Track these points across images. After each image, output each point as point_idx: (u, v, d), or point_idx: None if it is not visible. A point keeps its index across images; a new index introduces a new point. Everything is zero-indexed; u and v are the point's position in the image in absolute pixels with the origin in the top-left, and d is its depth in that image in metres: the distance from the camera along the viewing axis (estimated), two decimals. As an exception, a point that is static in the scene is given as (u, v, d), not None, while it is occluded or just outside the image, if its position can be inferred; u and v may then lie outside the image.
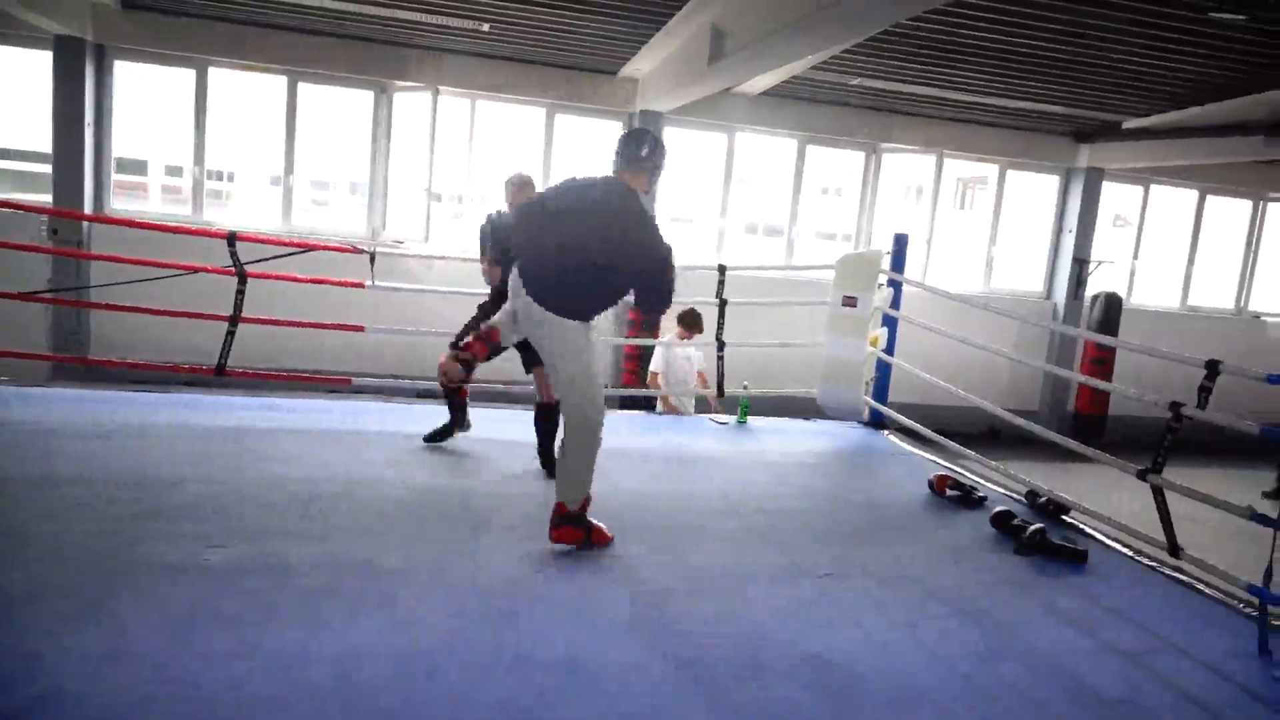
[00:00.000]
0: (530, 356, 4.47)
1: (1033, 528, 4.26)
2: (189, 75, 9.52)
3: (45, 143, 9.34)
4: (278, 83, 9.69)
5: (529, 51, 9.66)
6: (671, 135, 10.59)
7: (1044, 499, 4.87)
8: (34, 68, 9.21)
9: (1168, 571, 4.08)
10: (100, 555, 3.22)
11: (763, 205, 12.00)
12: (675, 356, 6.81)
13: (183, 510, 3.73)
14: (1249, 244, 12.76)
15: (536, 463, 4.77)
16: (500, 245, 4.50)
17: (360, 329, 5.86)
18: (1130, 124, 10.63)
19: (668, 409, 6.81)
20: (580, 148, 10.70)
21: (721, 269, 6.37)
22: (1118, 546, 4.39)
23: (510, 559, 3.58)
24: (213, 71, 9.54)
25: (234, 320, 5.58)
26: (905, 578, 3.77)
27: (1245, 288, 12.82)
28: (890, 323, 6.58)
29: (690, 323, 6.73)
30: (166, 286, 6.15)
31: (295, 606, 2.96)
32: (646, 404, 8.16)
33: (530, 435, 4.79)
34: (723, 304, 6.34)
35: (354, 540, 3.62)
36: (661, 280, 3.49)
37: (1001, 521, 4.47)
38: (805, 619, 3.29)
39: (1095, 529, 4.57)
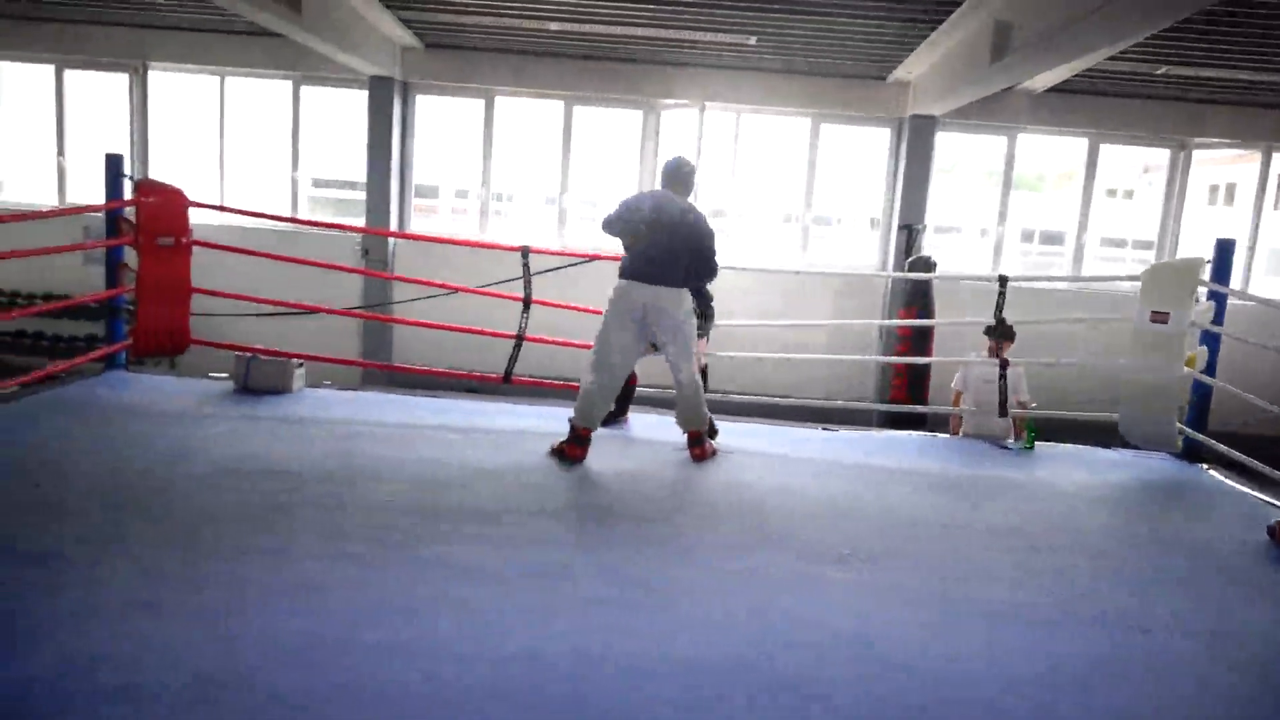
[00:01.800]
0: None
1: None
2: (478, 105, 10.32)
3: (353, 172, 10.51)
4: (555, 107, 10.27)
5: (794, 62, 9.55)
6: (946, 140, 10.06)
7: None
8: (344, 106, 10.40)
9: None
10: (396, 550, 3.47)
11: (1040, 210, 11.10)
12: (975, 375, 6.21)
13: (470, 512, 3.96)
14: None
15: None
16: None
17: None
18: None
19: (959, 430, 6.33)
20: (845, 157, 10.43)
21: (1002, 280, 5.85)
22: None
23: (772, 577, 3.46)
24: (498, 99, 10.29)
25: (519, 338, 6.00)
26: (1243, 645, 3.23)
27: None
28: (1211, 341, 5.77)
29: (1006, 333, 6.03)
30: (460, 300, 6.65)
31: (577, 613, 3.03)
32: (911, 421, 7.73)
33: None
34: (1000, 320, 5.83)
35: (631, 550, 3.66)
36: (713, 263, 5.03)
37: (1371, 582, 3.73)
38: (1120, 680, 2.89)
39: None
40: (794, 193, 10.43)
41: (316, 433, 5.05)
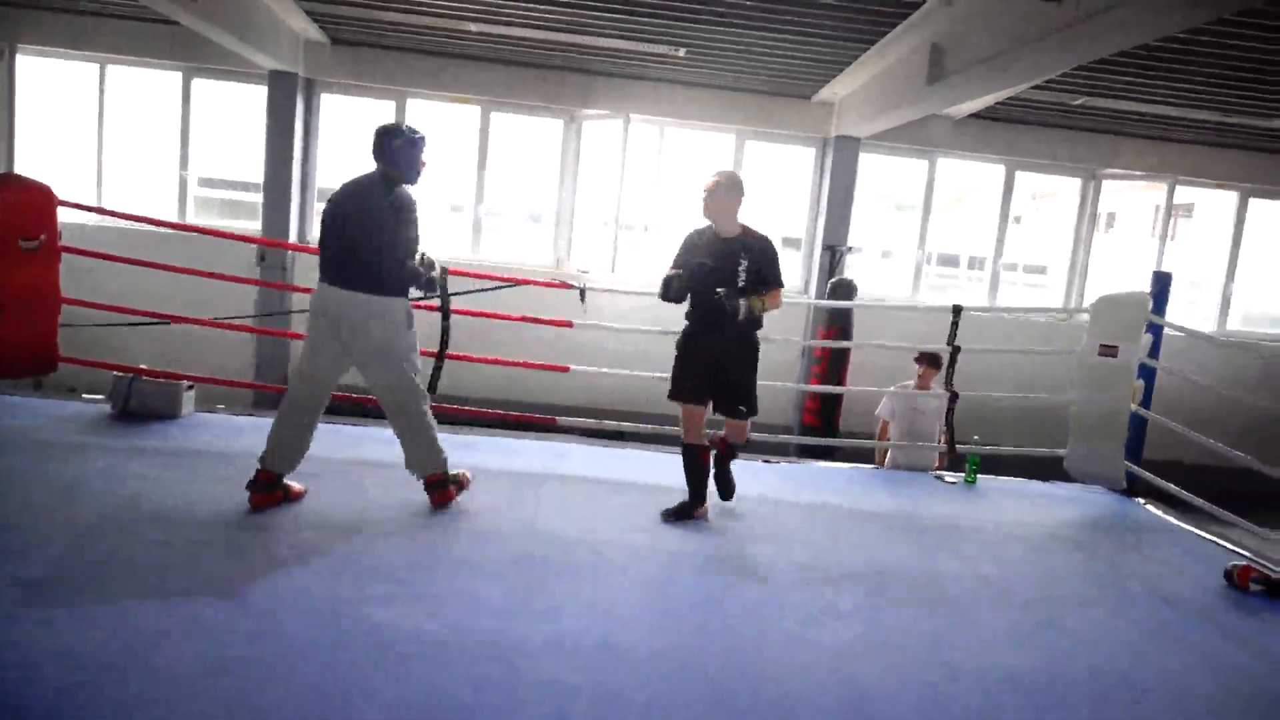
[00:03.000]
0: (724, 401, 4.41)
1: (1395, 646, 3.43)
2: (388, 106, 9.72)
3: (247, 172, 9.76)
4: (471, 113, 9.76)
5: (722, 77, 9.32)
6: (868, 162, 9.99)
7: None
8: (241, 101, 9.65)
9: None
10: (322, 620, 2.97)
11: (938, 233, 11.16)
12: (906, 406, 6.09)
13: (405, 566, 3.48)
14: None
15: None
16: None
17: (565, 369, 5.57)
18: None
19: (884, 461, 6.17)
20: (769, 175, 10.26)
21: (956, 310, 5.70)
22: None
23: (754, 637, 3.11)
24: (410, 102, 9.71)
25: (441, 355, 5.37)
26: (1231, 707, 3.06)
27: None
28: (1147, 373, 5.75)
29: (935, 361, 5.98)
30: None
31: (549, 679, 2.60)
32: (824, 447, 7.55)
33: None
34: (955, 350, 5.68)
35: (592, 617, 3.24)
36: (393, 261, 3.95)
37: (1342, 632, 3.65)
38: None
39: None
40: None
41: (216, 469, 4.43)
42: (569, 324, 5.48)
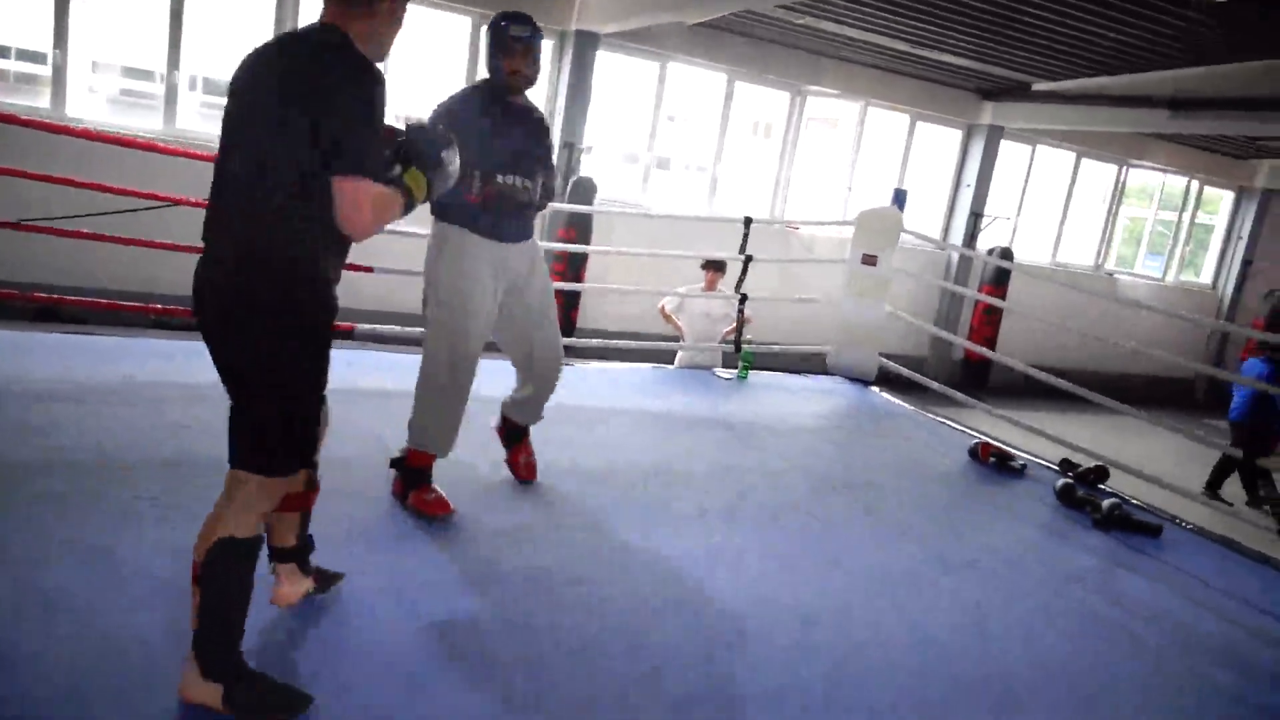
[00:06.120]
0: None
1: (1109, 502, 4.37)
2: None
3: None
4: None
5: (458, -50, 8.70)
6: (604, 60, 9.97)
7: (1083, 467, 5.02)
8: None
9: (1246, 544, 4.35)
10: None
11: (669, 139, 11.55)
12: (696, 310, 6.36)
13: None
14: (1110, 207, 13.79)
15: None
16: None
17: (369, 270, 5.05)
18: (1040, 86, 11.05)
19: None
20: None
21: (748, 221, 6.01)
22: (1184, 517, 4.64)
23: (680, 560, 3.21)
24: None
25: None
26: (1022, 564, 3.75)
27: (1105, 247, 13.90)
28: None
29: (720, 266, 6.26)
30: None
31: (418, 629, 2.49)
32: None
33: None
34: (748, 259, 6.01)
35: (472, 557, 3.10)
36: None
37: (1069, 496, 4.56)
38: (969, 624, 3.17)
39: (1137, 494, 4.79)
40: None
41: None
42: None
